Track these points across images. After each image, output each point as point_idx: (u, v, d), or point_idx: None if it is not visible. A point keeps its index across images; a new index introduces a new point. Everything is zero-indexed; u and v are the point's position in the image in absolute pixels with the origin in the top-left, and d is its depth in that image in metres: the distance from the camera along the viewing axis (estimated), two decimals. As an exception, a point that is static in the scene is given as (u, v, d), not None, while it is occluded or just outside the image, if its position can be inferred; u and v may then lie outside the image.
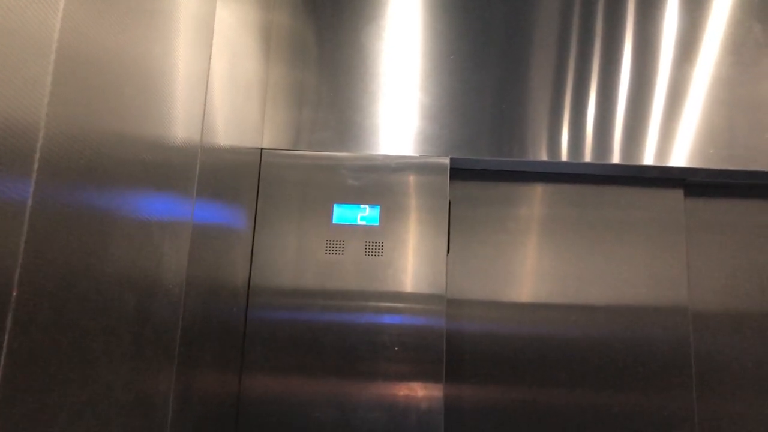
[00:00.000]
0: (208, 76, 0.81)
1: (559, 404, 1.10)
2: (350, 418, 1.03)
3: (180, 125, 0.72)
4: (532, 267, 1.20)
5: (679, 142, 1.19)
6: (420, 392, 1.04)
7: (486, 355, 1.14)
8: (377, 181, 1.16)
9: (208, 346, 0.86)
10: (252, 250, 1.13)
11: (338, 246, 1.13)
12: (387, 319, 1.09)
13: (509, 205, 1.24)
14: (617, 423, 1.09)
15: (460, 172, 1.24)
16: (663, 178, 1.24)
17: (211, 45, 0.82)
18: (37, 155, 0.44)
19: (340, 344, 1.07)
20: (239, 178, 1.02)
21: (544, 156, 1.18)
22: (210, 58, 0.82)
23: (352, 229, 1.15)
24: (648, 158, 1.18)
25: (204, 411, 0.85)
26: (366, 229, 1.15)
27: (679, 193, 1.24)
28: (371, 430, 1.03)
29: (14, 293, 0.41)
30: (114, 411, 0.57)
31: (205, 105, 0.80)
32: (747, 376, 1.12)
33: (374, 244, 1.13)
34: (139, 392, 0.62)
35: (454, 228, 1.22)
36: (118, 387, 0.58)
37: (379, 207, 1.15)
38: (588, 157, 1.18)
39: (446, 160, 1.17)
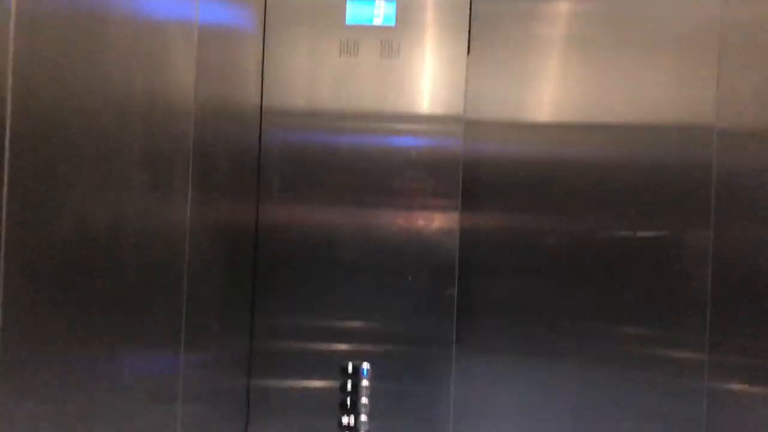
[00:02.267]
0: None
1: (576, 230, 1.11)
2: (365, 242, 1.06)
3: None
4: (554, 79, 1.13)
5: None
6: (436, 216, 1.06)
7: (503, 180, 1.13)
8: (394, -25, 1.07)
9: (222, 172, 0.86)
10: (263, 57, 1.08)
11: (353, 47, 1.07)
12: (403, 128, 1.07)
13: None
14: (632, 245, 1.10)
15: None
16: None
17: None
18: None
19: (356, 165, 1.06)
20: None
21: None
22: None
23: (367, 29, 1.08)
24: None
25: (222, 239, 0.87)
26: (382, 29, 1.08)
27: (717, -2, 1.12)
28: (387, 252, 1.06)
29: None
30: (126, 240, 0.58)
31: None
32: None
33: (390, 44, 1.07)
34: (152, 222, 0.63)
35: (475, 30, 1.14)
36: (131, 217, 0.58)
37: (395, 3, 1.08)
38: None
39: (470, -48, 1.06)
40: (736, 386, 1.08)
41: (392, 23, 1.07)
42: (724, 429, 1.06)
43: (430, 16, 1.07)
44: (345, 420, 1.03)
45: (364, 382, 1.04)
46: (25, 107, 0.40)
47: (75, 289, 0.47)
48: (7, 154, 0.38)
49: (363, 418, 1.03)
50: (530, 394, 1.10)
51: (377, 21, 1.08)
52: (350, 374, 1.04)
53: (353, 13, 1.08)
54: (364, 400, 1.04)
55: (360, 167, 1.07)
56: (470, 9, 1.08)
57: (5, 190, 0.38)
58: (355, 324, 1.06)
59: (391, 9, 1.07)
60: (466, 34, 1.07)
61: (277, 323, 1.05)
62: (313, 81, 1.08)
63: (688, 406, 1.07)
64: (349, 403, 1.04)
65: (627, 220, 1.10)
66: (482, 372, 1.11)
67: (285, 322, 1.06)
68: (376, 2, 1.07)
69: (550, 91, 1.14)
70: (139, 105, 0.59)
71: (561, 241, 1.11)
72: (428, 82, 1.08)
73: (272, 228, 1.07)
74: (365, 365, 1.04)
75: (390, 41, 1.07)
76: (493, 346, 1.11)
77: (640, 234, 1.10)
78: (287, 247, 1.06)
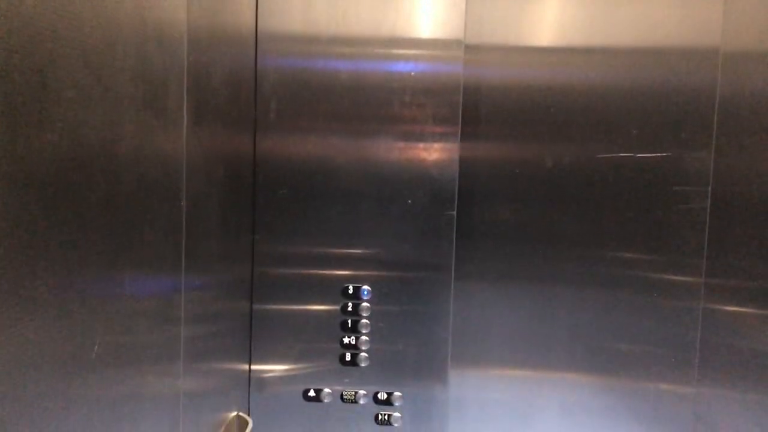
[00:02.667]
0: None
1: (576, 154, 1.09)
2: (364, 169, 1.05)
3: None
4: (557, 1, 1.10)
5: None
6: (436, 142, 1.05)
7: (503, 105, 1.11)
8: None
9: (218, 97, 0.84)
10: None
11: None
12: (402, 53, 1.04)
13: None
14: (632, 167, 1.09)
15: None
16: None
17: None
18: None
19: (353, 91, 1.05)
20: None
21: None
22: None
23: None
24: None
25: (219, 165, 0.86)
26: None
27: None
28: (386, 179, 1.05)
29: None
30: (122, 156, 0.58)
31: None
32: None
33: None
34: (148, 140, 0.62)
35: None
36: (126, 133, 0.58)
37: None
38: None
39: None
40: (731, 308, 1.09)
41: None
42: (718, 350, 1.09)
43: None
44: (346, 339, 1.06)
45: (365, 303, 1.06)
46: (8, 13, 0.39)
47: (70, 202, 0.47)
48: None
49: (363, 337, 1.06)
50: (527, 318, 1.13)
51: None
52: (351, 295, 1.06)
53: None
54: (364, 320, 1.06)
55: (358, 93, 1.05)
56: None
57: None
58: (355, 250, 1.07)
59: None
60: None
61: (278, 250, 1.06)
62: (309, 1, 1.05)
63: (683, 327, 1.10)
64: (350, 323, 1.06)
65: (628, 143, 1.09)
66: (480, 296, 1.12)
67: (286, 249, 1.07)
68: None
69: (553, 14, 1.11)
70: (130, 20, 0.58)
71: (561, 166, 1.10)
72: (428, 2, 1.05)
73: (270, 154, 1.06)
74: (366, 287, 1.06)
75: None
76: (492, 271, 1.12)
77: (640, 155, 1.09)
78: (286, 173, 1.06)
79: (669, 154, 1.08)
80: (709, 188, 1.08)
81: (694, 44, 1.08)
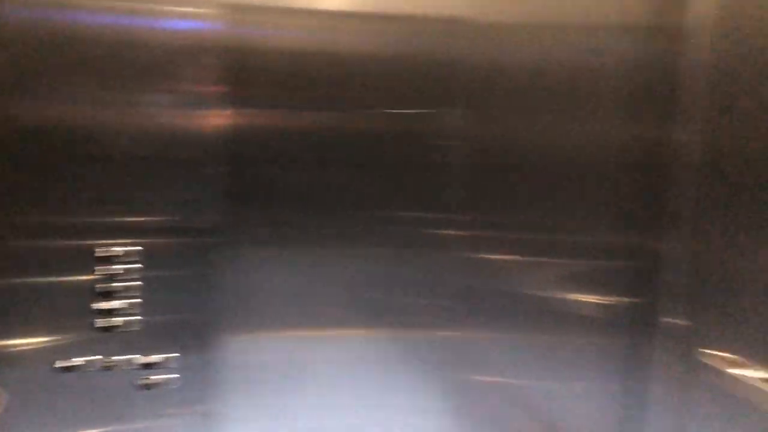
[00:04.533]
0: None
1: (341, 122, 1.11)
2: (117, 133, 1.00)
3: None
4: None
5: None
6: (201, 105, 1.02)
7: (268, 71, 1.08)
8: None
9: None
10: None
11: None
12: (161, 9, 0.98)
13: None
14: (392, 130, 1.13)
15: None
16: None
17: None
18: None
19: (107, 49, 0.98)
20: None
21: None
22: None
23: None
24: None
25: None
26: None
27: None
28: (147, 143, 1.01)
29: None
30: None
31: None
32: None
33: None
34: None
35: None
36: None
37: None
38: None
39: None
40: (495, 256, 1.18)
41: None
42: (482, 296, 1.17)
43: None
44: (103, 306, 1.02)
45: (124, 267, 1.02)
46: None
47: None
48: None
49: (116, 302, 1.02)
50: (303, 279, 1.13)
51: None
52: (107, 260, 1.01)
53: None
54: (122, 284, 1.02)
55: (112, 51, 0.99)
56: None
57: None
58: (113, 218, 1.01)
59: None
60: None
61: (18, 218, 0.98)
62: None
63: (450, 275, 1.17)
64: (106, 289, 1.02)
65: (390, 101, 1.12)
66: (254, 259, 1.11)
67: (29, 217, 0.98)
68: None
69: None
70: None
71: (329, 129, 1.11)
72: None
73: (8, 114, 0.97)
74: (125, 249, 1.02)
75: None
76: (266, 234, 1.11)
77: (401, 111, 1.13)
78: (26, 135, 0.98)
79: (435, 111, 1.13)
80: (467, 144, 1.15)
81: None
